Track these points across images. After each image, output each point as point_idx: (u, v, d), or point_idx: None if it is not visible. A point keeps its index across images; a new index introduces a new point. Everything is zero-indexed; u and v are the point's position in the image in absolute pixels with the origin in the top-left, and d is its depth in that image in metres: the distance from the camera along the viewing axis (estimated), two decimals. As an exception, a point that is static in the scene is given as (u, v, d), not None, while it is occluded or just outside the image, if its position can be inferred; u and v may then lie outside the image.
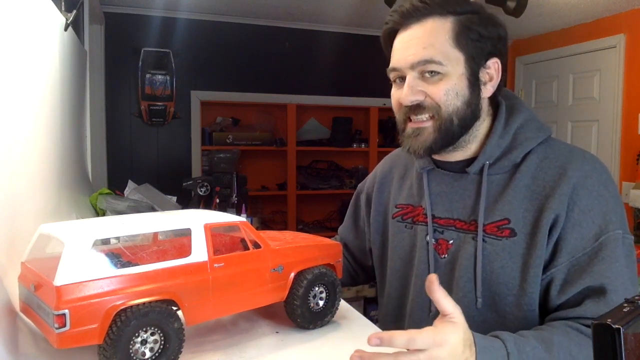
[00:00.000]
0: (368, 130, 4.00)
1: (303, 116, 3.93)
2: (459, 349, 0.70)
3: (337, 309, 0.87)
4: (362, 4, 3.26)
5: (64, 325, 0.58)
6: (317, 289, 0.83)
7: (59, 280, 0.58)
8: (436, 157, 1.01)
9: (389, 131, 4.07)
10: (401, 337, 0.66)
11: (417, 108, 0.92)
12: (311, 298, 0.82)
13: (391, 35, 0.96)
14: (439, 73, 0.89)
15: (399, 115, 0.97)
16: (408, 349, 0.67)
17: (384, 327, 1.13)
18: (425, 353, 0.67)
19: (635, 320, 0.39)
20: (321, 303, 0.84)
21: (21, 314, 0.71)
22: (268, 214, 3.91)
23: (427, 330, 0.69)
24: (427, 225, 0.99)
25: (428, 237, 0.98)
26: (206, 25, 3.60)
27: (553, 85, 3.90)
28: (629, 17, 3.26)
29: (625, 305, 0.42)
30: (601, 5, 3.17)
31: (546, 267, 0.87)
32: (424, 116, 0.92)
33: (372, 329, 0.85)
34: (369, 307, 3.54)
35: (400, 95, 0.93)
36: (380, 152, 3.96)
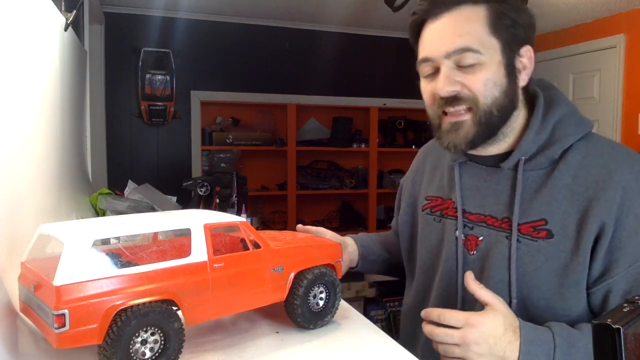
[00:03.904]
0: (368, 130, 4.00)
1: (303, 116, 3.93)
2: (498, 330, 0.75)
3: (337, 309, 0.87)
4: (362, 4, 3.26)
5: (64, 326, 0.58)
6: (317, 289, 0.83)
7: (59, 280, 0.58)
8: (470, 150, 0.95)
9: (389, 131, 4.07)
10: (434, 311, 0.79)
11: (453, 100, 0.87)
12: (311, 298, 0.82)
13: (419, 26, 0.92)
14: (475, 63, 0.85)
15: (433, 110, 0.92)
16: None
17: (405, 319, 1.12)
18: (458, 331, 0.74)
19: (635, 320, 0.39)
20: (321, 303, 0.84)
21: (21, 314, 0.71)
22: (268, 214, 3.91)
23: (461, 312, 0.77)
24: (456, 220, 0.96)
25: (457, 232, 0.95)
26: (206, 25, 3.60)
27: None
28: (629, 17, 3.26)
29: (625, 305, 0.41)
30: (601, 5, 3.17)
31: (600, 278, 0.82)
32: (461, 108, 0.87)
33: (372, 328, 0.85)
34: (369, 307, 3.54)
35: (435, 87, 0.89)
36: (380, 152, 3.96)
